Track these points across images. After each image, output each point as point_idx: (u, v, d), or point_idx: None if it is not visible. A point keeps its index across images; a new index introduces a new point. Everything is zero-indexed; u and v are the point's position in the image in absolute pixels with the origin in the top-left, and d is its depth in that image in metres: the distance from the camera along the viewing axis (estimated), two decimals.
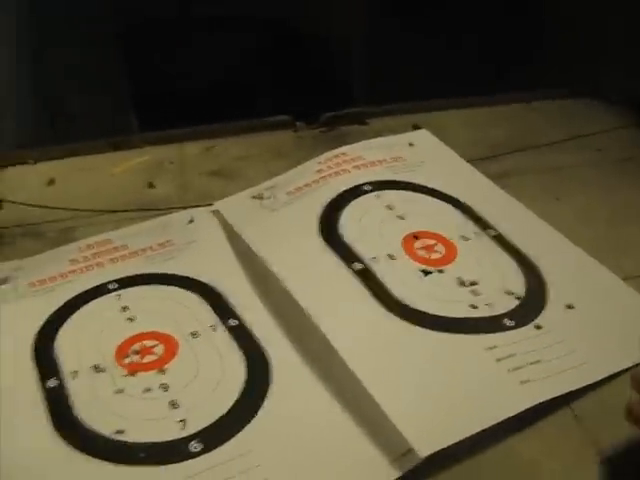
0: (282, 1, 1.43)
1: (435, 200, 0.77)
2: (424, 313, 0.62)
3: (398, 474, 0.50)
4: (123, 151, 0.96)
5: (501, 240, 0.72)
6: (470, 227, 0.73)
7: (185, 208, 0.81)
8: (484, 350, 0.59)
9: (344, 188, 0.76)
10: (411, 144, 0.87)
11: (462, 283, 0.66)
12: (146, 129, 1.20)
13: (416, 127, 1.00)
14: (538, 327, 0.62)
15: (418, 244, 0.70)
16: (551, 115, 1.06)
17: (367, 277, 0.65)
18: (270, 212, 0.75)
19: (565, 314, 0.64)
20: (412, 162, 0.83)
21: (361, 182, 0.77)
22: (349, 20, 1.40)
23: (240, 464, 0.51)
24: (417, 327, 0.60)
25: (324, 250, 0.68)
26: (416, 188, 0.78)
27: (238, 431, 0.54)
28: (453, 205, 0.76)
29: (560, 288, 0.67)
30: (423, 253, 0.69)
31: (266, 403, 0.56)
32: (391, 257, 0.68)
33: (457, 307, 0.63)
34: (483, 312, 0.63)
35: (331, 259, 0.67)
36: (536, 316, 0.63)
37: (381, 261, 0.67)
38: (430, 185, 0.79)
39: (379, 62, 1.35)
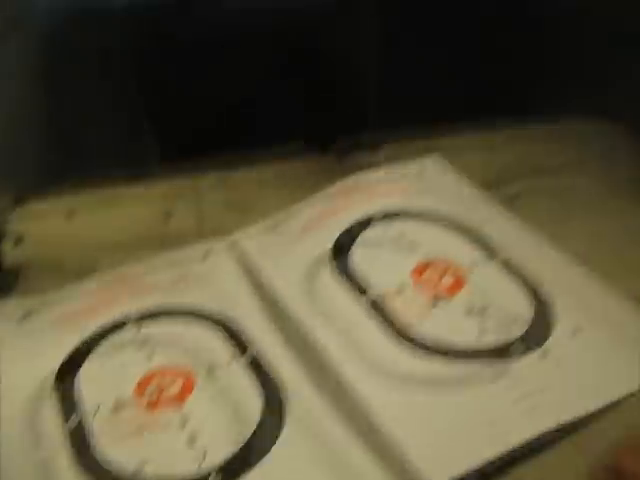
0: (294, 25, 1.45)
1: (445, 228, 0.78)
2: (433, 343, 0.63)
3: None
4: (141, 183, 0.98)
5: (509, 266, 0.73)
6: (479, 254, 0.75)
7: (202, 241, 0.83)
8: (492, 378, 0.60)
9: (356, 219, 0.78)
10: (422, 171, 0.89)
11: (471, 311, 0.67)
12: (164, 156, 1.23)
13: (428, 151, 1.01)
14: (545, 353, 0.63)
15: (428, 273, 0.71)
16: (561, 137, 1.07)
17: (378, 309, 0.67)
18: (285, 244, 0.77)
19: (572, 339, 0.65)
20: (422, 190, 0.85)
21: (373, 212, 0.79)
22: (361, 45, 1.41)
23: None
24: (426, 357, 0.62)
25: (336, 283, 0.70)
26: (426, 216, 0.80)
27: (256, 463, 0.55)
28: (462, 232, 0.78)
29: (567, 313, 0.68)
30: (433, 282, 0.70)
31: (282, 436, 0.57)
32: (401, 288, 0.69)
33: (466, 335, 0.64)
34: (491, 340, 0.64)
35: (343, 292, 0.69)
36: (543, 342, 0.64)
37: (392, 291, 0.68)
38: (440, 213, 0.80)
39: (390, 85, 1.37)
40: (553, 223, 0.83)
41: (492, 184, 0.92)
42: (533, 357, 0.63)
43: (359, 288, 0.69)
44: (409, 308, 0.67)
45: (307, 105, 1.38)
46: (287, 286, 0.70)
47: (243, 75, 1.48)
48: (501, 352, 0.63)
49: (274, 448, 0.57)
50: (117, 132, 1.32)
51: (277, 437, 0.58)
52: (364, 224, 0.78)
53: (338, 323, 0.66)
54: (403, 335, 0.64)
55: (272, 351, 0.65)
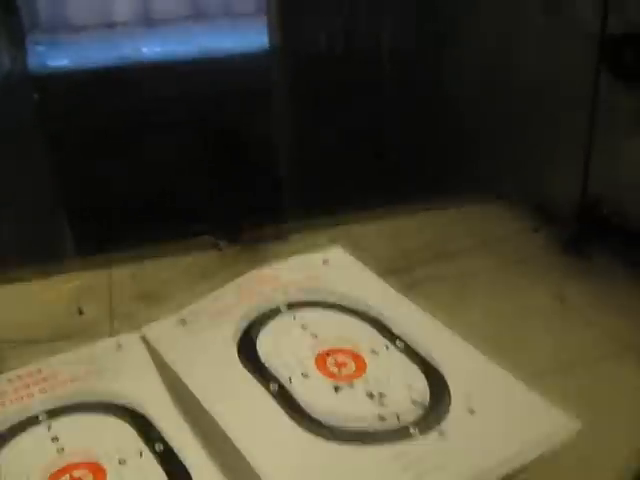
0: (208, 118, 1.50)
1: (347, 316, 0.82)
2: (335, 428, 0.66)
3: None
4: (53, 277, 1.00)
5: (408, 351, 0.78)
6: (380, 340, 0.79)
7: (114, 333, 0.85)
8: (391, 459, 0.63)
9: (262, 310, 0.82)
10: (325, 262, 0.93)
11: (371, 396, 0.71)
12: (77, 247, 1.25)
13: (334, 239, 1.06)
14: (442, 433, 0.67)
15: (330, 361, 0.75)
16: (459, 221, 1.15)
17: (283, 397, 0.70)
18: (194, 336, 0.79)
19: (467, 419, 0.69)
20: (326, 280, 0.89)
21: (278, 303, 0.83)
22: (273, 131, 1.48)
23: None
24: (329, 442, 0.65)
25: (243, 373, 0.72)
26: (329, 306, 0.84)
27: None
28: (364, 320, 0.82)
29: (462, 394, 0.72)
30: (335, 369, 0.74)
31: None
32: (305, 376, 0.72)
33: (366, 420, 0.68)
34: (391, 423, 0.68)
35: (250, 382, 0.71)
36: (440, 422, 0.68)
37: (296, 380, 0.72)
38: (342, 302, 0.84)
39: (299, 174, 1.43)
40: (452, 307, 0.88)
41: (395, 271, 0.97)
42: (430, 437, 0.67)
43: (264, 378, 0.72)
44: (312, 396, 0.70)
45: (216, 196, 1.43)
46: (196, 378, 0.72)
47: (156, 165, 1.52)
48: (400, 434, 0.66)
49: None
50: (33, 224, 1.34)
51: None
52: (270, 314, 0.81)
53: (244, 415, 0.68)
54: (306, 423, 0.67)
55: (182, 442, 0.67)
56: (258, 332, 0.78)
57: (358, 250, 1.04)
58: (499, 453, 0.66)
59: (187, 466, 0.65)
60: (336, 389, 0.72)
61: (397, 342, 0.79)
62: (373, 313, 0.83)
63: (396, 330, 0.81)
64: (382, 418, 0.68)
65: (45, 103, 1.53)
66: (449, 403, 0.71)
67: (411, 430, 0.67)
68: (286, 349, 0.76)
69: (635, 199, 1.01)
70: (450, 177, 1.33)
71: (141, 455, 0.66)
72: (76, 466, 0.65)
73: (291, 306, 0.83)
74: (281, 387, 0.71)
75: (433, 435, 0.67)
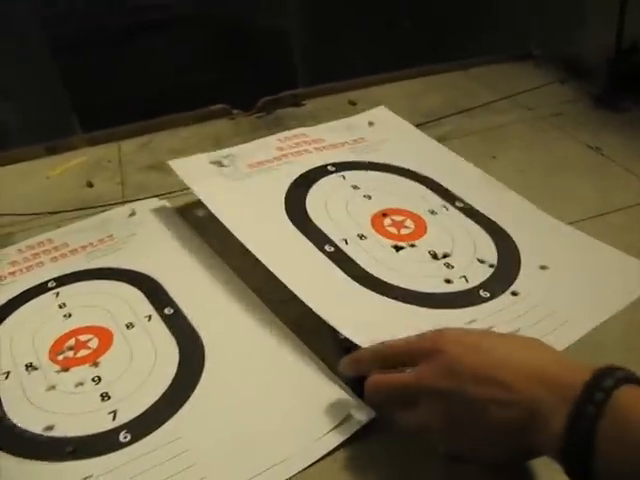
0: None
1: (400, 177, 0.77)
2: (401, 288, 0.61)
3: (339, 441, 0.50)
4: (59, 155, 0.95)
5: (469, 211, 0.72)
6: (437, 201, 0.73)
7: (125, 203, 0.81)
8: (464, 325, 0.57)
9: (308, 168, 0.76)
10: (371, 123, 0.87)
11: (435, 256, 0.65)
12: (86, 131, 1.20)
13: (352, 103, 1.01)
14: (514, 294, 0.61)
15: (387, 221, 0.69)
16: (484, 79, 1.07)
17: (341, 259, 0.64)
18: (232, 181, 0.73)
19: (539, 276, 0.63)
20: (374, 141, 0.83)
21: (325, 163, 0.77)
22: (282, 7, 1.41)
23: (168, 451, 0.51)
24: (397, 302, 0.60)
25: (295, 233, 0.67)
26: (380, 167, 0.78)
27: (167, 419, 0.53)
28: (418, 181, 0.76)
29: (531, 251, 0.66)
30: (393, 230, 0.68)
31: (197, 389, 0.56)
32: (361, 237, 0.67)
33: (432, 281, 0.62)
34: (459, 286, 0.62)
35: (304, 243, 0.65)
36: (511, 283, 0.62)
37: (352, 241, 0.66)
38: (394, 163, 0.79)
39: (315, 45, 1.36)
40: (480, 159, 0.82)
41: (421, 126, 0.91)
42: (503, 299, 0.61)
43: (318, 240, 0.66)
44: (371, 256, 0.65)
45: (229, 68, 1.36)
46: (242, 230, 0.66)
47: (164, 54, 1.46)
48: (470, 298, 0.61)
49: (187, 403, 0.55)
50: (34, 104, 1.29)
51: (191, 392, 0.55)
52: (318, 173, 0.76)
53: (302, 272, 0.63)
54: (368, 280, 0.62)
55: (193, 305, 0.64)
56: (306, 191, 0.73)
57: None
58: (579, 309, 0.60)
59: (195, 327, 0.61)
60: (397, 249, 0.66)
61: (456, 202, 0.73)
62: (428, 173, 0.77)
63: (454, 190, 0.75)
64: (449, 281, 0.62)
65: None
66: (519, 261, 0.65)
67: (481, 293, 0.61)
68: (338, 210, 0.70)
69: None
70: (471, 40, 1.24)
71: (150, 319, 0.63)
72: (82, 330, 0.62)
73: (339, 167, 0.77)
74: (337, 249, 0.65)
75: (506, 297, 0.61)
